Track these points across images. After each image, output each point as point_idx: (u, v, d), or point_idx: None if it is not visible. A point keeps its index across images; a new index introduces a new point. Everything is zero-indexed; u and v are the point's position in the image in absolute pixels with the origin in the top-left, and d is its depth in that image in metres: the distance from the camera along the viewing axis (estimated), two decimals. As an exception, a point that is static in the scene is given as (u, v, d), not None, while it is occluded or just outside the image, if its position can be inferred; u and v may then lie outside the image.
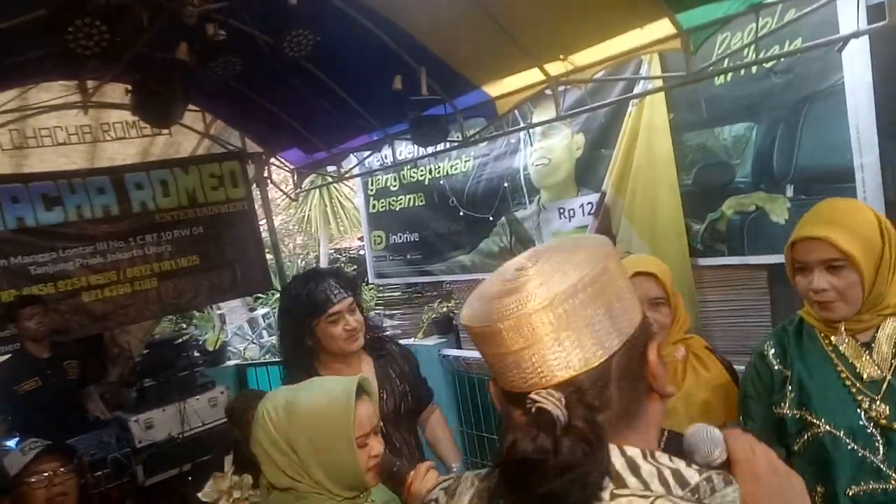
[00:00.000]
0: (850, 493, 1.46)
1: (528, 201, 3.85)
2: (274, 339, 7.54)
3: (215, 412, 3.67)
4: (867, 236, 1.45)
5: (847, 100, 2.56)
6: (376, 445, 1.35)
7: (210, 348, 5.04)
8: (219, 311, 6.01)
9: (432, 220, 4.46)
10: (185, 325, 5.77)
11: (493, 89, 3.35)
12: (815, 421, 1.51)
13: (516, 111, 3.61)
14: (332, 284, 1.92)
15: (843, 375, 1.50)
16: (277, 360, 6.06)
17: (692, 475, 0.65)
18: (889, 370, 1.45)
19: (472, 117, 3.58)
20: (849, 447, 1.45)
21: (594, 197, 3.47)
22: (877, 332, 1.49)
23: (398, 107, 3.45)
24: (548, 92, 3.31)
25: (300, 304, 1.92)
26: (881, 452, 1.43)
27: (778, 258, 2.89)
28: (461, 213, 4.23)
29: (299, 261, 9.17)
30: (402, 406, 2.05)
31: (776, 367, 1.62)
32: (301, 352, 1.94)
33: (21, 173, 3.92)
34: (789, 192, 2.82)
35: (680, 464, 0.67)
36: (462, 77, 3.32)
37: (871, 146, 2.55)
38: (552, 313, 0.66)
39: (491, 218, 4.07)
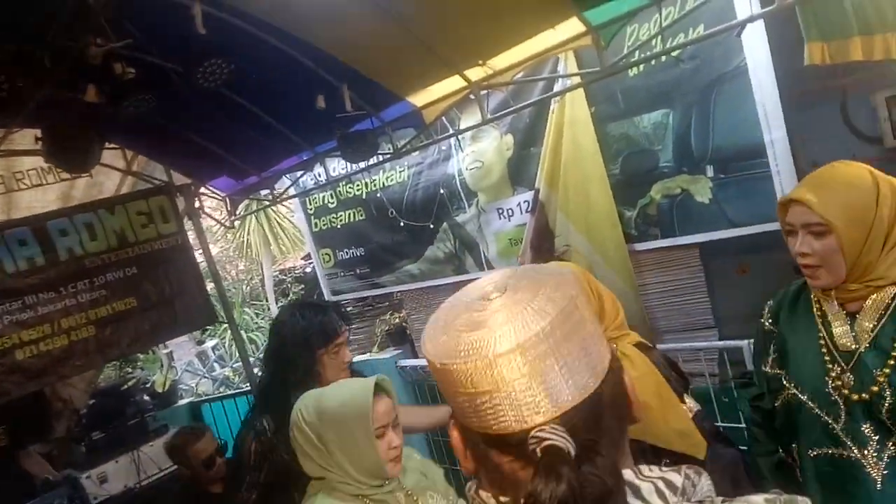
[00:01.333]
0: (812, 455, 1.53)
1: (466, 205, 3.89)
2: (226, 371, 7.35)
3: (171, 456, 3.55)
4: (852, 204, 1.40)
5: (751, 80, 2.69)
6: (395, 438, 1.53)
7: (160, 389, 4.88)
8: (165, 351, 5.82)
9: (375, 233, 4.45)
10: (130, 370, 5.56)
11: (418, 99, 3.36)
12: (786, 384, 1.57)
13: (444, 118, 3.64)
14: (333, 317, 2.04)
15: (822, 342, 1.51)
16: (234, 392, 5.92)
17: (675, 478, 0.67)
18: (866, 343, 1.45)
19: (400, 128, 3.59)
20: (813, 412, 1.50)
21: (529, 194, 3.53)
22: (864, 303, 1.47)
23: (325, 124, 3.43)
24: (472, 97, 3.35)
25: (306, 334, 2.00)
26: (842, 421, 1.46)
27: (707, 236, 3.03)
28: (401, 224, 4.23)
29: (244, 287, 8.97)
30: None
31: (767, 327, 1.67)
32: (302, 378, 1.96)
33: (-68, 232, 3.70)
34: (710, 172, 2.94)
35: (655, 470, 0.69)
36: (385, 90, 3.32)
37: (778, 121, 2.69)
38: (515, 361, 0.63)
39: (432, 225, 4.09)
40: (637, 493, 0.66)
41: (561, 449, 0.62)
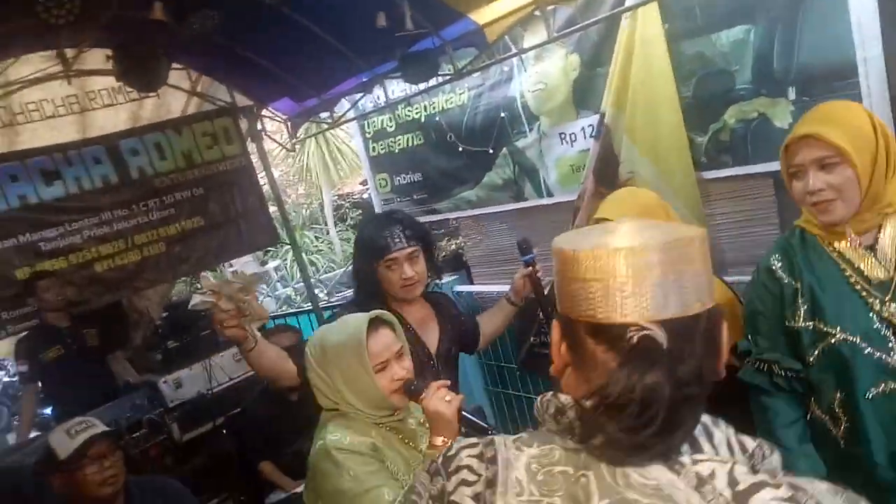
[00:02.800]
0: (870, 396, 1.47)
1: (527, 129, 3.79)
2: (288, 291, 7.65)
3: (240, 366, 3.77)
4: (859, 130, 1.44)
5: (847, -9, 2.45)
6: (399, 370, 1.52)
7: (226, 306, 5.12)
8: (231, 269, 6.07)
9: (433, 158, 4.40)
10: (199, 286, 5.85)
11: (481, 16, 3.24)
12: (829, 330, 1.51)
13: (507, 37, 3.50)
14: (395, 231, 1.98)
15: (853, 280, 1.49)
16: (296, 310, 6.16)
17: (748, 442, 0.70)
18: (895, 270, 1.45)
19: (461, 48, 3.48)
20: (865, 351, 1.46)
21: (594, 118, 3.40)
22: (879, 233, 1.48)
23: (385, 45, 3.36)
24: (537, 13, 3.20)
25: (363, 244, 2.05)
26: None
27: (783, 164, 2.86)
28: (460, 149, 4.17)
29: (304, 210, 9.17)
30: (452, 349, 2.21)
31: (786, 281, 1.60)
32: (366, 289, 2.06)
33: (16, 150, 3.90)
34: (791, 94, 2.75)
35: (731, 429, 0.71)
36: (447, 6, 3.21)
37: (875, 39, 2.46)
38: (661, 254, 0.67)
39: (491, 150, 4.01)
40: (710, 437, 0.69)
41: (656, 341, 0.65)
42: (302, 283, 6.70)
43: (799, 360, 1.60)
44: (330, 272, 7.83)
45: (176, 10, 2.69)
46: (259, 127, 4.74)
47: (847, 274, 1.50)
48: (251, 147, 4.82)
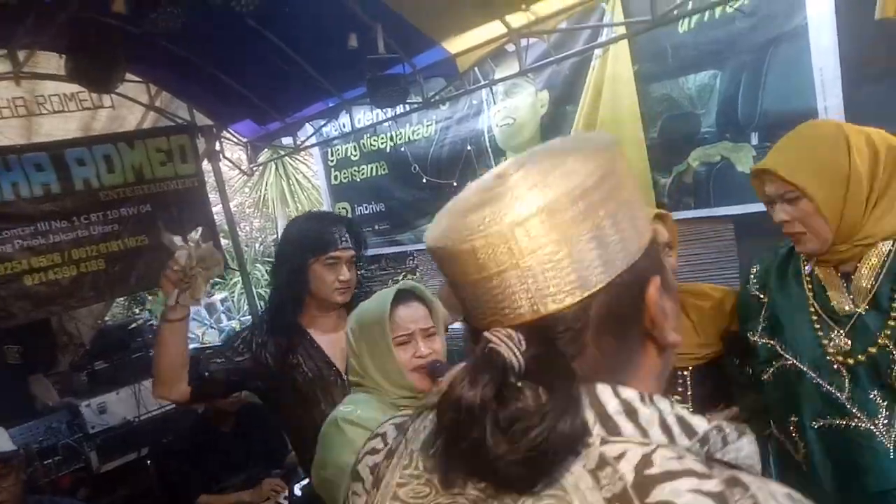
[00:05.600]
0: (816, 426, 1.42)
1: (493, 164, 3.75)
2: (233, 324, 7.34)
3: (174, 394, 3.50)
4: (822, 163, 1.34)
5: (811, 41, 2.53)
6: (424, 348, 1.44)
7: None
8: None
9: (396, 189, 4.34)
10: (138, 311, 5.53)
11: (453, 45, 3.24)
12: (782, 353, 1.46)
13: (477, 70, 3.51)
14: (342, 230, 1.92)
15: (812, 309, 1.43)
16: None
17: (700, 423, 0.54)
18: (864, 303, 1.37)
19: (432, 76, 3.47)
20: (813, 381, 1.40)
21: (559, 156, 3.40)
22: (859, 262, 1.39)
23: (354, 69, 3.31)
24: (510, 48, 3.22)
25: (304, 238, 1.91)
26: (846, 389, 1.37)
27: (744, 208, 2.88)
28: (424, 181, 4.12)
29: (256, 244, 8.94)
30: None
31: (753, 292, 1.57)
32: (290, 289, 1.90)
33: (-50, 150, 3.65)
34: (754, 139, 2.79)
35: (684, 411, 0.55)
36: (420, 33, 3.20)
37: (835, 88, 2.54)
38: (536, 227, 0.52)
39: (455, 184, 3.97)
40: (632, 415, 0.53)
41: (502, 356, 0.52)
42: (248, 317, 6.43)
43: (754, 375, 1.58)
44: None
45: (137, 4, 2.57)
46: (217, 148, 4.59)
47: (810, 302, 1.44)
48: (207, 168, 4.65)
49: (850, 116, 2.57)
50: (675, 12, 2.51)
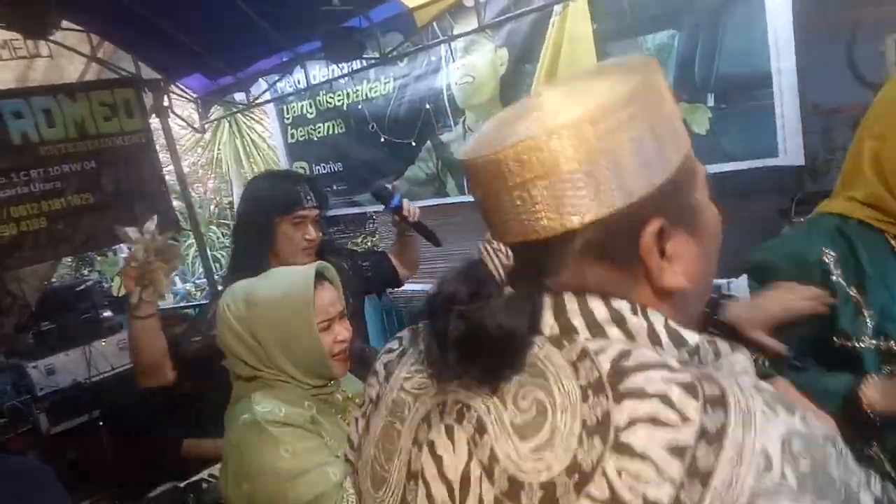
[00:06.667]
0: None
1: (452, 124, 3.72)
2: (187, 286, 7.18)
3: (125, 355, 3.41)
4: None
5: (765, 1, 2.55)
6: (342, 331, 1.35)
7: (117, 294, 4.70)
8: (123, 255, 5.62)
9: (354, 148, 4.25)
10: (86, 272, 5.36)
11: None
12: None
13: (436, 26, 3.43)
14: (307, 189, 1.86)
15: None
16: (193, 304, 5.76)
17: (691, 336, 0.54)
18: None
19: (389, 31, 3.37)
20: None
21: (518, 115, 3.38)
22: None
23: (309, 22, 3.20)
24: (468, 3, 3.15)
25: (270, 196, 1.84)
26: None
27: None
28: (382, 140, 4.05)
29: (211, 206, 8.71)
30: (352, 300, 1.98)
31: (842, 287, 1.20)
32: (253, 249, 1.84)
33: None
34: (710, 101, 2.83)
35: (678, 326, 0.54)
36: (377, -15, 3.10)
37: (789, 50, 2.57)
38: (557, 144, 0.51)
39: (414, 143, 3.91)
40: (621, 323, 0.53)
41: (484, 267, 0.57)
42: (203, 280, 6.29)
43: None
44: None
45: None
46: (166, 103, 4.41)
47: None
48: (156, 126, 4.47)
49: (802, 77, 2.62)
50: (635, -31, 2.49)
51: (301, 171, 4.64)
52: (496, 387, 0.54)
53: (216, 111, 4.94)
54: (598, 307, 0.54)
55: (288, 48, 3.68)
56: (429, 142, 3.84)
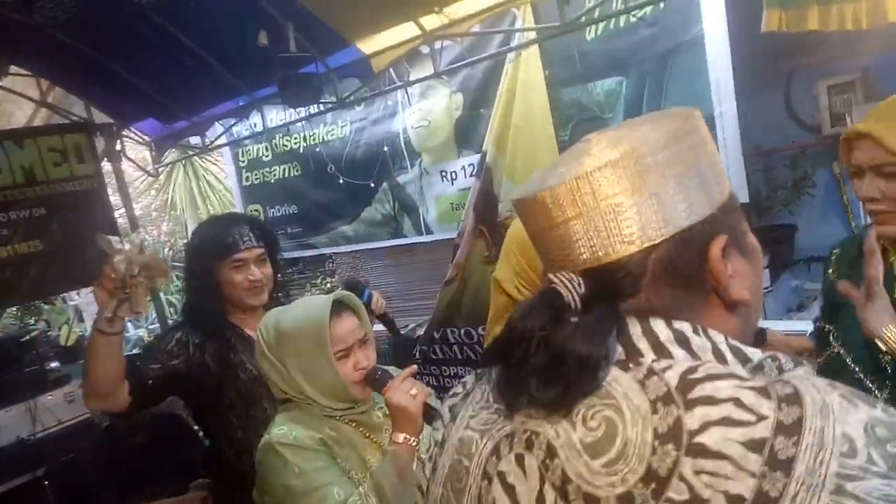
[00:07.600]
0: None
1: (409, 165, 3.76)
2: (141, 332, 6.95)
3: (73, 408, 3.27)
4: None
5: (707, 51, 2.68)
6: (362, 358, 1.41)
7: (64, 343, 4.51)
8: (72, 303, 5.41)
9: (310, 191, 4.25)
10: (32, 321, 5.14)
11: (368, 45, 3.21)
12: (833, 341, 1.36)
13: (392, 72, 3.49)
14: (244, 230, 1.86)
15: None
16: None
17: (754, 353, 0.56)
18: None
19: (346, 77, 3.42)
20: (855, 377, 1.29)
21: (475, 158, 3.44)
22: None
23: (265, 67, 3.21)
24: (424, 50, 3.22)
25: (206, 245, 1.86)
26: (886, 391, 1.24)
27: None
28: (341, 181, 4.06)
29: (165, 249, 8.51)
30: None
31: (829, 271, 1.43)
32: (202, 298, 1.85)
33: None
34: (658, 143, 2.93)
35: (740, 344, 0.57)
36: (334, 33, 3.14)
37: (729, 95, 2.70)
38: (602, 180, 0.55)
39: (372, 184, 3.94)
40: (684, 343, 0.56)
41: (560, 295, 0.56)
42: (156, 325, 6.10)
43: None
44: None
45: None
46: (118, 147, 4.34)
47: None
48: (108, 169, 4.38)
49: (743, 122, 2.75)
50: (583, 19, 2.60)
51: (255, 213, 4.60)
52: (568, 411, 0.55)
53: (171, 154, 4.88)
54: (661, 329, 0.57)
55: (244, 92, 3.68)
56: (385, 183, 3.87)
